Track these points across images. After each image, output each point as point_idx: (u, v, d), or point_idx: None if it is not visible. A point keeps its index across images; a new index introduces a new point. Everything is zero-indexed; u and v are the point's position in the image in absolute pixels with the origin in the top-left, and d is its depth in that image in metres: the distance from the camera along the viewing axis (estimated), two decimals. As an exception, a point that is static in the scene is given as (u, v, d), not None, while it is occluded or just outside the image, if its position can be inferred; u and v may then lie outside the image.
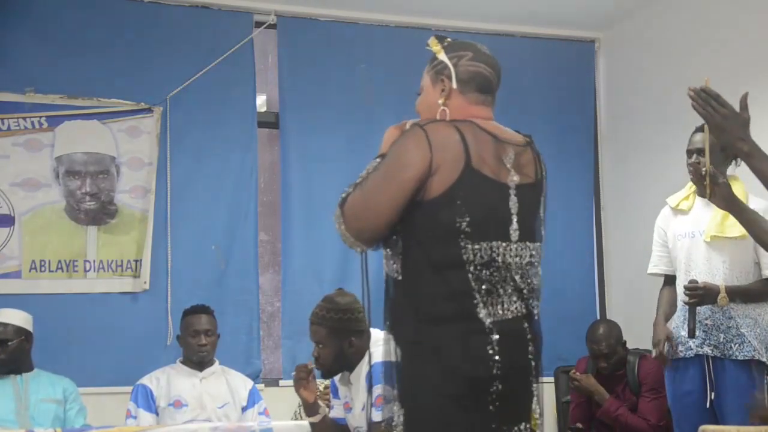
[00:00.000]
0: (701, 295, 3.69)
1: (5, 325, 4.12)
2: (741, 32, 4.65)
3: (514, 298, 2.23)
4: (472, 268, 2.18)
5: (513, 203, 2.27)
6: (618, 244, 5.61)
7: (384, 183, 2.21)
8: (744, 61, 4.62)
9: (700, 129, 3.86)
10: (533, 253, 2.30)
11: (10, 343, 4.11)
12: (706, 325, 3.72)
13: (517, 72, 5.52)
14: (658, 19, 5.27)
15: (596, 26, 5.67)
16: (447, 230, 2.18)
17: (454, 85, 2.33)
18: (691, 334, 3.70)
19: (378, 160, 2.29)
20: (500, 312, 2.20)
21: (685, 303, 3.75)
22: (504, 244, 2.23)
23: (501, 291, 2.21)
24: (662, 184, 4.91)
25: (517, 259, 2.25)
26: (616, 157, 5.65)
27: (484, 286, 2.19)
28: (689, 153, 3.84)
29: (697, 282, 3.72)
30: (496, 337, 2.17)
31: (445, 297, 2.18)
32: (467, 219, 2.18)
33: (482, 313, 2.17)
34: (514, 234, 2.26)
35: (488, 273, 2.19)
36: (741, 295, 3.70)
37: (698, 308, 3.71)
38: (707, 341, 3.72)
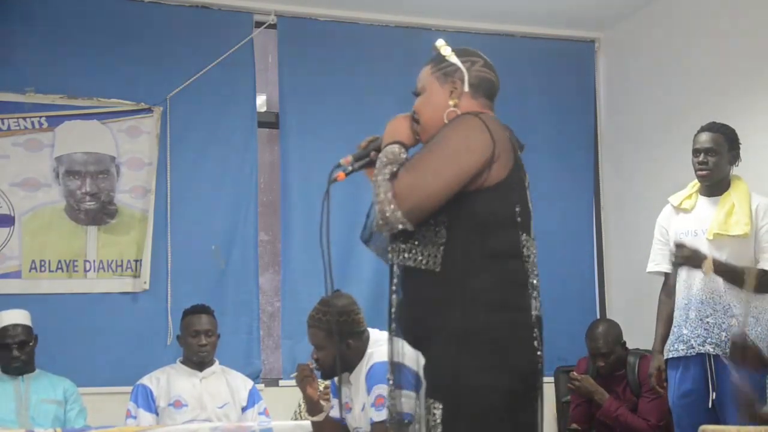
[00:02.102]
0: (687, 256, 3.71)
1: (17, 326, 4.15)
2: (740, 32, 4.65)
3: (537, 295, 2.25)
4: (526, 259, 2.21)
5: (530, 201, 2.31)
6: (618, 244, 5.61)
7: (446, 165, 2.17)
8: (743, 61, 4.63)
9: (705, 128, 3.87)
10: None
11: (30, 344, 4.17)
12: (708, 323, 3.72)
13: (517, 72, 5.53)
14: (658, 19, 5.27)
15: (596, 26, 5.66)
16: (507, 217, 2.20)
17: (466, 88, 2.34)
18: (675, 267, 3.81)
19: (394, 149, 2.25)
20: (539, 306, 2.22)
21: (672, 263, 3.79)
22: (532, 240, 2.27)
23: (537, 287, 2.23)
24: (662, 183, 4.91)
25: (534, 256, 2.28)
26: (616, 157, 5.65)
27: (531, 279, 2.21)
28: (696, 152, 3.85)
29: (684, 245, 3.74)
30: (538, 331, 2.18)
31: (504, 286, 2.17)
32: (518, 209, 2.21)
33: (533, 305, 2.19)
34: (533, 231, 2.30)
35: (531, 265, 2.22)
36: (727, 272, 3.69)
37: (700, 305, 3.73)
38: (708, 339, 3.72)
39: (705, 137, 3.83)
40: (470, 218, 2.18)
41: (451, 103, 2.32)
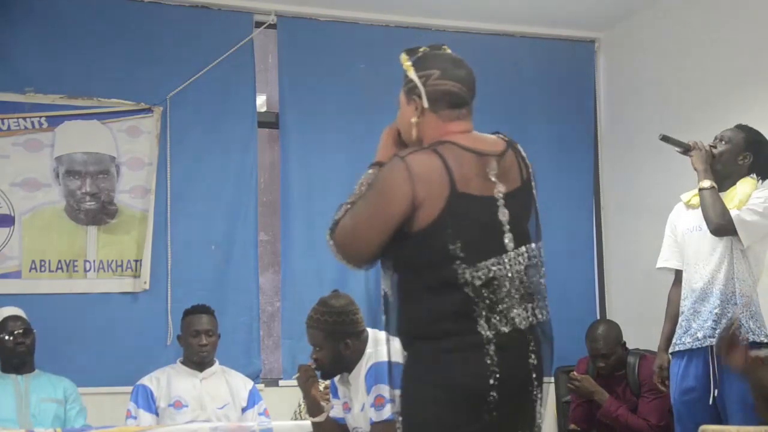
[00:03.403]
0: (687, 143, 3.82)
1: (17, 317, 4.19)
2: (741, 33, 4.65)
3: (518, 309, 2.24)
4: (470, 289, 2.20)
5: (503, 214, 2.27)
6: (618, 244, 5.60)
7: (369, 216, 2.27)
8: (744, 61, 4.62)
9: (738, 126, 3.88)
10: (532, 254, 2.30)
11: (34, 332, 4.20)
12: (716, 314, 3.72)
13: (517, 72, 5.53)
14: (658, 19, 5.27)
15: (596, 26, 5.66)
16: (440, 257, 2.21)
17: (426, 104, 2.33)
18: (664, 139, 3.86)
19: (371, 171, 2.33)
20: (501, 325, 2.21)
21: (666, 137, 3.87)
22: (502, 258, 2.24)
23: (502, 306, 2.22)
24: (662, 183, 4.92)
25: (517, 266, 2.26)
26: (616, 157, 5.64)
27: (485, 303, 2.20)
28: (713, 139, 3.86)
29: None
30: (495, 348, 2.18)
31: (442, 317, 2.21)
32: (459, 244, 2.20)
33: (481, 328, 2.19)
34: (510, 244, 2.27)
35: (488, 291, 2.21)
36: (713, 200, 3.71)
37: (710, 298, 3.72)
38: (717, 330, 3.71)
39: (726, 130, 3.86)
40: (407, 258, 2.27)
41: (413, 120, 2.34)
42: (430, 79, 2.33)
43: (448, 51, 2.41)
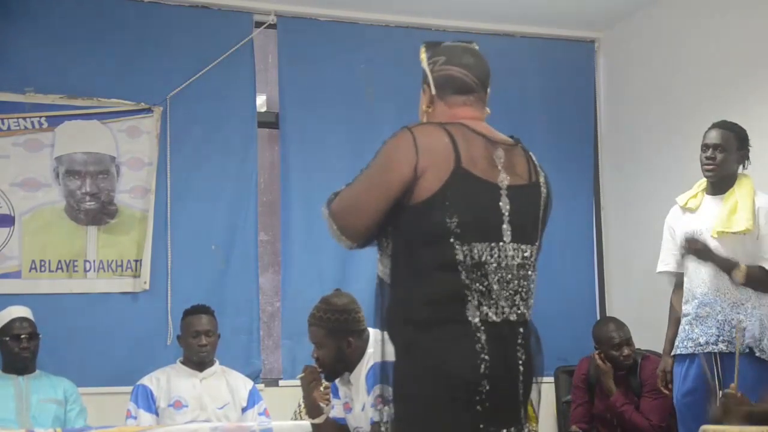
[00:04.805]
0: (698, 249, 3.74)
1: (24, 319, 4.18)
2: (741, 32, 4.66)
3: (508, 302, 2.22)
4: (464, 270, 2.18)
5: (504, 203, 2.26)
6: (618, 244, 5.61)
7: (369, 184, 2.25)
8: (744, 61, 4.63)
9: (717, 125, 3.88)
10: (526, 255, 2.28)
11: (39, 336, 4.20)
12: (718, 320, 3.72)
13: (517, 72, 5.53)
14: (658, 19, 5.27)
15: (596, 26, 5.67)
16: (437, 232, 2.18)
17: (434, 91, 2.35)
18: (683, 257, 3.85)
19: None
20: (491, 313, 2.19)
21: (681, 254, 3.83)
22: (497, 245, 2.22)
23: (494, 293, 2.20)
24: (662, 183, 4.93)
25: (511, 260, 2.24)
26: (616, 157, 5.65)
27: (476, 287, 2.18)
28: (704, 147, 3.85)
29: (696, 239, 3.76)
30: (485, 336, 2.16)
31: (435, 300, 2.18)
32: (456, 220, 2.18)
33: (471, 313, 2.17)
34: (507, 235, 2.25)
35: (480, 274, 2.19)
36: (757, 280, 3.69)
37: (713, 302, 3.72)
38: (721, 337, 3.72)
39: (715, 133, 3.83)
40: (404, 233, 2.23)
41: (424, 108, 2.38)
42: (436, 65, 2.35)
43: (472, 45, 2.42)
